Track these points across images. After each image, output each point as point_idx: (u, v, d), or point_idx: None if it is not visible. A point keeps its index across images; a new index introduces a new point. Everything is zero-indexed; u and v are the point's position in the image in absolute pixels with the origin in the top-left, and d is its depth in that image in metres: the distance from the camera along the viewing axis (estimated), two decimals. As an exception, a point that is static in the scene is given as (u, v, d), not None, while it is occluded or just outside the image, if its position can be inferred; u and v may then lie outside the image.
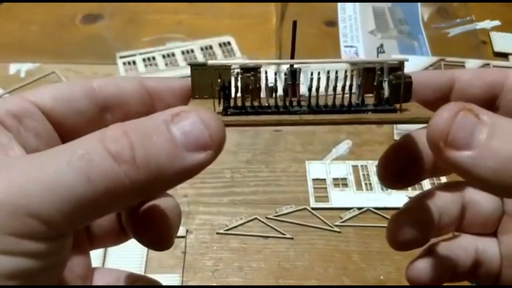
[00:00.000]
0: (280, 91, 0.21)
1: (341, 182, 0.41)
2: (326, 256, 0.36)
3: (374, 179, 0.41)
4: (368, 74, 0.21)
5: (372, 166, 0.42)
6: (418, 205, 0.27)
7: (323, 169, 0.41)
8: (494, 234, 0.28)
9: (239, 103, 0.20)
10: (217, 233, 0.37)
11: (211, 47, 0.52)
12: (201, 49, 0.52)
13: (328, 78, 0.21)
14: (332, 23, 0.56)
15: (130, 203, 0.19)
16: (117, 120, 0.18)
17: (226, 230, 0.37)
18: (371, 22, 0.56)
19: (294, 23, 0.21)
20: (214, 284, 0.34)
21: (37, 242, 0.15)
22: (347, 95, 0.21)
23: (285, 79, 0.21)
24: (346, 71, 0.21)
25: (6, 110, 0.19)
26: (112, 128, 0.16)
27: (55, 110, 0.20)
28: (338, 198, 0.39)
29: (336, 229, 0.37)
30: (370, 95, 0.21)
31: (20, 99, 0.20)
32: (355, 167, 0.42)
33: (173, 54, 0.52)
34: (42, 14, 0.56)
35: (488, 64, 0.50)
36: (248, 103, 0.21)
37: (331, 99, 0.21)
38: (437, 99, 0.23)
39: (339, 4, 0.58)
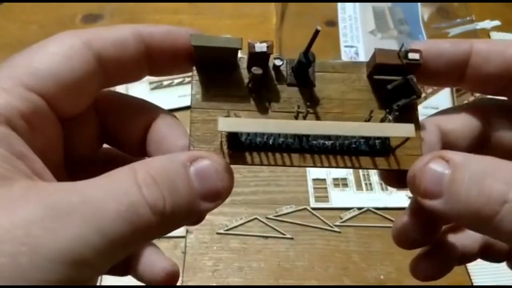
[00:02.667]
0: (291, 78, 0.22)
1: (341, 182, 0.41)
2: (326, 256, 0.36)
3: (374, 179, 0.41)
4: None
5: (372, 166, 0.42)
6: (440, 247, 0.26)
7: (323, 169, 0.41)
8: None
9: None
10: (217, 233, 0.37)
11: (211, 47, 0.52)
12: (201, 49, 0.52)
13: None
14: (332, 23, 0.56)
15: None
16: (115, 82, 0.20)
17: (226, 230, 0.37)
18: (371, 22, 0.56)
19: (317, 31, 0.21)
20: (214, 284, 0.34)
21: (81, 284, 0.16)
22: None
23: (298, 63, 0.23)
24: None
25: (19, 112, 0.18)
26: (140, 171, 0.17)
27: (60, 94, 0.19)
28: (338, 198, 0.39)
29: (336, 229, 0.37)
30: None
31: (31, 94, 0.18)
32: (355, 167, 0.42)
33: (173, 54, 0.52)
34: (42, 14, 0.56)
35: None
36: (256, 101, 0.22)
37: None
38: (450, 72, 0.22)
39: (339, 4, 0.58)
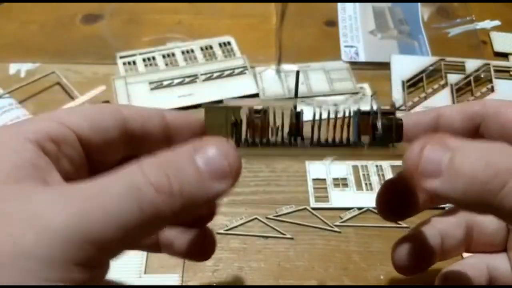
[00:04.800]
0: (285, 129, 0.24)
1: (341, 182, 0.41)
2: (326, 256, 0.36)
3: (374, 179, 0.41)
4: (363, 116, 0.24)
5: (372, 166, 0.42)
6: (418, 232, 0.28)
7: (323, 169, 0.41)
8: (504, 251, 0.28)
9: (249, 138, 0.24)
10: (217, 233, 0.37)
11: (211, 47, 0.52)
12: (201, 49, 0.52)
13: (329, 112, 0.24)
14: (332, 23, 0.56)
15: (165, 226, 0.21)
16: (138, 150, 0.22)
17: (226, 230, 0.37)
18: (371, 22, 0.56)
19: (297, 73, 0.24)
20: (214, 284, 0.34)
21: (88, 269, 0.17)
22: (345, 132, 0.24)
23: (291, 116, 0.24)
24: (344, 111, 0.24)
25: (47, 134, 0.20)
26: (147, 162, 0.18)
27: (90, 138, 0.21)
28: (338, 198, 0.39)
29: (336, 229, 0.37)
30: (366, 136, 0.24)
31: (60, 125, 0.21)
32: (355, 167, 0.42)
33: (173, 54, 0.52)
34: (42, 14, 0.56)
35: (488, 64, 0.50)
36: (257, 139, 0.24)
37: (331, 134, 0.24)
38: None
39: (339, 4, 0.58)
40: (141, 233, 0.18)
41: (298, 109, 0.24)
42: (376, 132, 0.23)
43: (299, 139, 0.24)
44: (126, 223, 0.17)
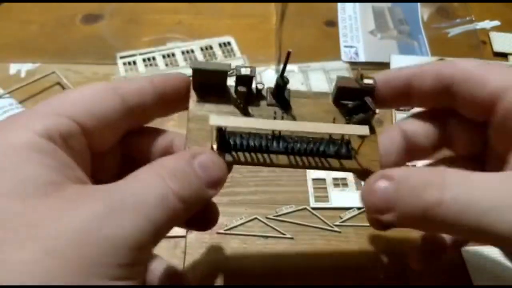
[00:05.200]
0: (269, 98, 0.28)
1: (341, 182, 0.41)
2: (326, 256, 0.36)
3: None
4: (342, 81, 0.27)
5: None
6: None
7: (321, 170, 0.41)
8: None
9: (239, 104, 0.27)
10: (217, 233, 0.37)
11: (211, 47, 0.52)
12: (201, 49, 0.52)
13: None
14: (332, 23, 0.56)
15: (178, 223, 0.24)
16: (136, 122, 0.25)
17: (226, 230, 0.37)
18: (371, 22, 0.56)
19: (288, 53, 0.26)
20: (214, 284, 0.34)
21: (132, 268, 0.19)
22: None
23: (276, 85, 0.27)
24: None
25: (57, 131, 0.21)
26: (160, 169, 0.21)
27: (93, 128, 0.23)
28: (338, 198, 0.39)
29: (336, 229, 0.37)
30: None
31: (69, 120, 0.22)
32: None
33: (173, 54, 0.52)
34: (42, 14, 0.56)
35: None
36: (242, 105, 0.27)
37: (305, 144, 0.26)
38: (398, 96, 0.27)
39: (339, 4, 0.58)
40: (165, 234, 0.21)
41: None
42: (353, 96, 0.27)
43: (276, 143, 0.26)
44: (160, 228, 0.20)
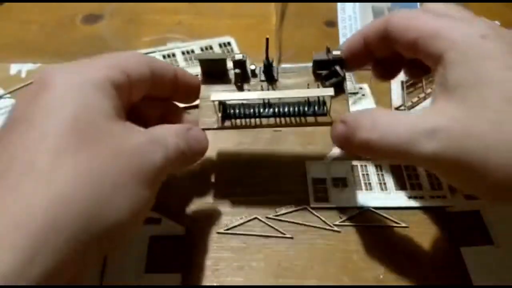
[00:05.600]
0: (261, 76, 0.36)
1: (340, 182, 0.41)
2: (326, 255, 0.36)
3: (374, 179, 0.41)
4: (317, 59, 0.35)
5: (371, 166, 0.42)
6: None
7: (323, 169, 0.42)
8: None
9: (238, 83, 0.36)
10: (217, 233, 0.37)
11: (211, 47, 0.53)
12: (201, 49, 0.52)
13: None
14: (332, 24, 0.57)
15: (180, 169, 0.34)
16: (154, 92, 0.33)
17: (226, 229, 0.37)
18: (371, 23, 0.56)
19: (267, 39, 0.36)
20: (214, 284, 0.34)
21: (152, 187, 0.28)
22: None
23: (264, 66, 0.36)
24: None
25: (115, 80, 0.29)
26: (169, 129, 0.31)
27: (134, 83, 0.30)
28: (338, 198, 0.39)
29: (336, 228, 0.37)
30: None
31: (122, 73, 0.29)
32: (355, 167, 0.42)
33: (173, 55, 0.52)
34: (42, 15, 0.56)
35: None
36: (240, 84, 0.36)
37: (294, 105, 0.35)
38: (361, 57, 0.35)
39: (339, 4, 0.58)
40: (169, 170, 0.29)
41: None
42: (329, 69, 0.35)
43: (268, 108, 0.35)
44: (170, 164, 0.29)
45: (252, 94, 0.34)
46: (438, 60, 0.29)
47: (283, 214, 0.38)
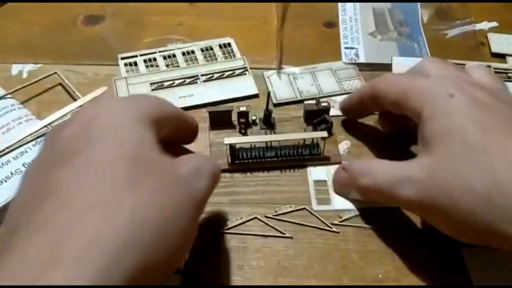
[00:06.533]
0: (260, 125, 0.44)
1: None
2: (325, 255, 0.36)
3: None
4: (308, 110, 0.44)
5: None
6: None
7: (323, 170, 0.41)
8: None
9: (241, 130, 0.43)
10: (217, 232, 0.37)
11: (211, 48, 0.53)
12: (202, 50, 0.53)
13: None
14: (333, 25, 0.57)
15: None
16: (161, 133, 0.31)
17: (226, 229, 0.37)
18: (371, 24, 0.56)
19: (268, 93, 0.44)
20: (215, 284, 0.34)
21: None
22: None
23: (264, 115, 0.43)
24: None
25: (154, 117, 0.30)
26: (204, 157, 0.37)
27: (165, 122, 0.31)
28: (339, 200, 0.39)
29: (335, 228, 0.38)
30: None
31: (160, 112, 0.31)
32: (354, 168, 0.42)
33: (174, 55, 0.52)
34: (44, 16, 0.56)
35: (488, 66, 0.50)
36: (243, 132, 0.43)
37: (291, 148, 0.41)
38: (357, 112, 0.44)
39: (340, 5, 0.58)
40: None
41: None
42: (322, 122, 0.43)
43: (269, 150, 0.41)
44: (212, 190, 0.31)
45: (259, 138, 0.40)
46: (418, 116, 0.33)
47: (283, 214, 0.38)
